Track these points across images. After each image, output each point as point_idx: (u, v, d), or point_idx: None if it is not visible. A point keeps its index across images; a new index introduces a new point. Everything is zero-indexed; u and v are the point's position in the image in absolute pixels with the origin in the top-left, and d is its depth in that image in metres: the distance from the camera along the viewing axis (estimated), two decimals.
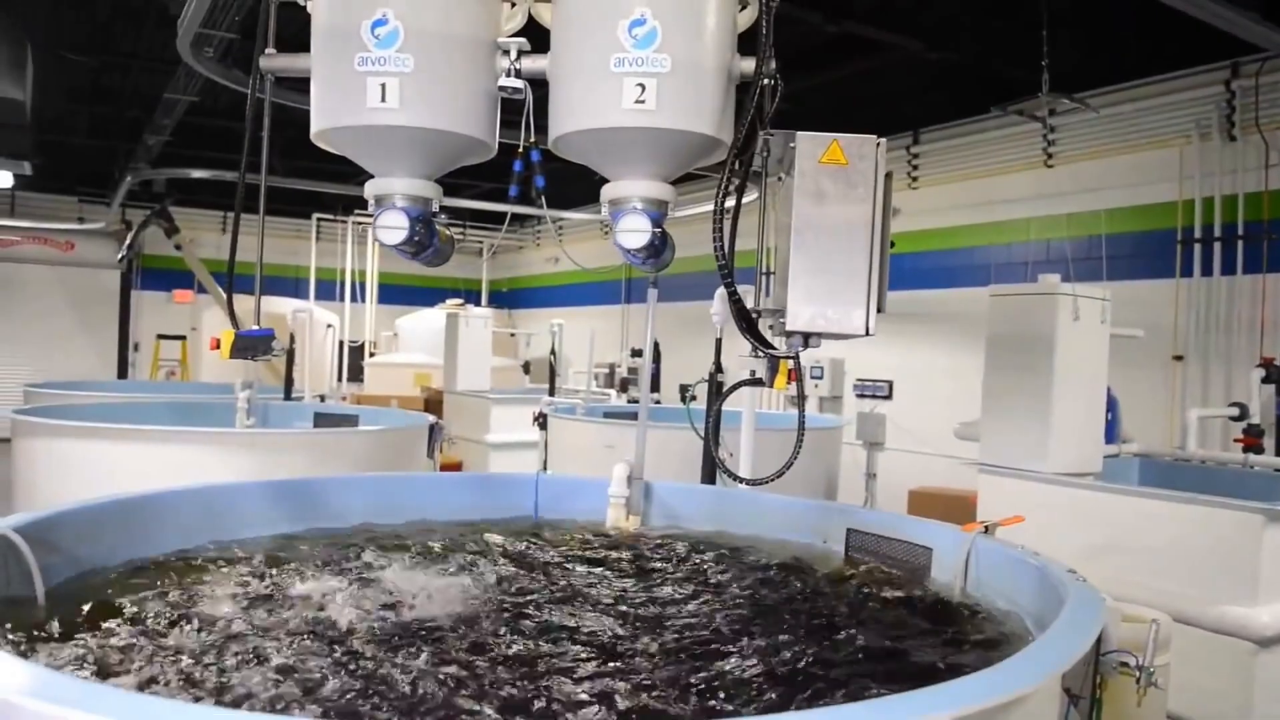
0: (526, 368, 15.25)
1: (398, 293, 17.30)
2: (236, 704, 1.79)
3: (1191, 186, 8.08)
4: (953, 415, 6.61)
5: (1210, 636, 4.06)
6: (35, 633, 2.06)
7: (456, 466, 9.32)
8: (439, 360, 11.81)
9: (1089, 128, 8.83)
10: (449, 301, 14.19)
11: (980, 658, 2.20)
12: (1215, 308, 7.87)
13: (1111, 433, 5.62)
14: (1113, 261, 8.31)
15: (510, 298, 19.91)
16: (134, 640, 2.07)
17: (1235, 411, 6.42)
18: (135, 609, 2.27)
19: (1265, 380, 6.51)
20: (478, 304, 16.71)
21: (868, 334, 2.75)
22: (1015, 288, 5.16)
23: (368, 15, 2.63)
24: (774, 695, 1.96)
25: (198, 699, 1.80)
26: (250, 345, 3.06)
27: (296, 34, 2.94)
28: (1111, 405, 5.54)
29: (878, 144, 2.75)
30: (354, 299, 16.32)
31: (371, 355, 15.60)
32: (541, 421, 7.72)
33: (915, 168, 10.57)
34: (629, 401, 10.90)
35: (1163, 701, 2.84)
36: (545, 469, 7.45)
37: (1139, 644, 2.09)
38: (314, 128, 2.83)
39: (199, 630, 2.16)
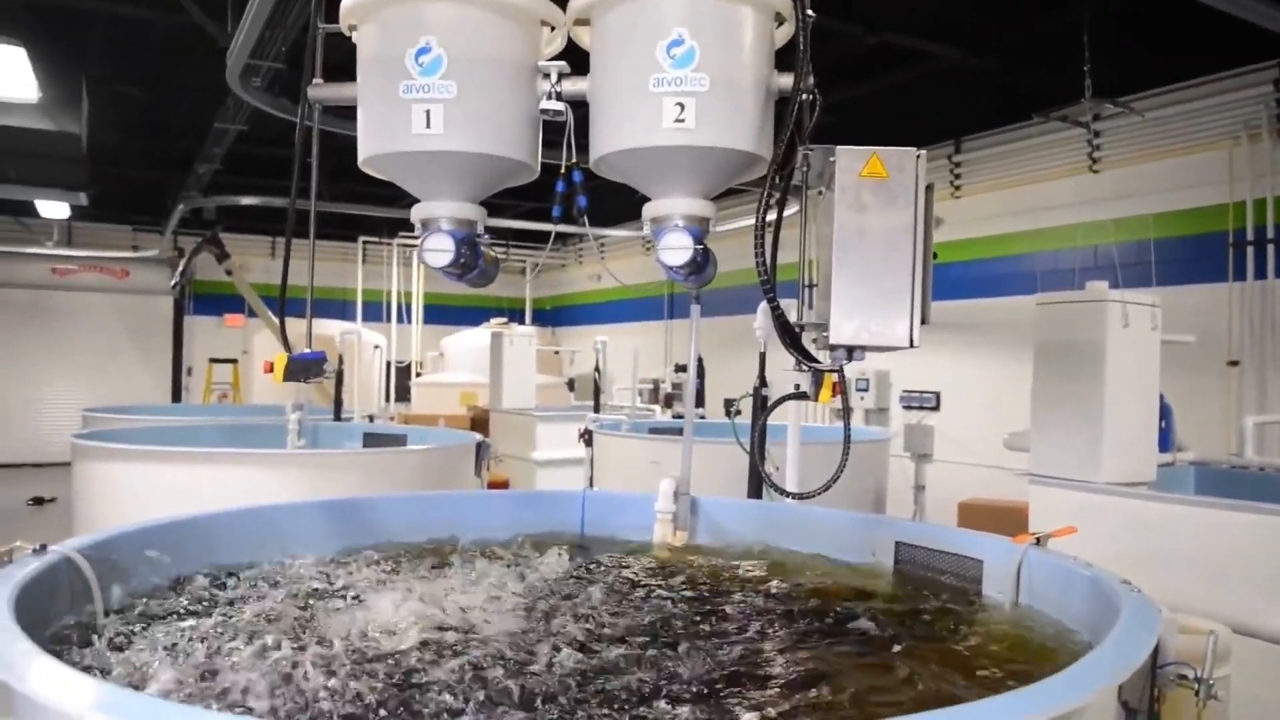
0: (571, 385, 15.32)
1: (443, 313, 17.49)
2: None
3: (1242, 188, 7.94)
4: (1002, 425, 6.52)
5: (1272, 648, 3.96)
6: (99, 651, 2.11)
7: (504, 484, 9.38)
8: (484, 379, 11.91)
9: (1134, 131, 8.72)
10: (493, 321, 14.34)
11: (1035, 670, 2.18)
12: (1270, 311, 7.71)
13: (1165, 441, 5.51)
14: (1162, 266, 8.22)
15: (554, 315, 20.05)
16: (193, 656, 2.12)
17: None
18: (194, 626, 2.31)
19: None
20: (522, 322, 16.89)
21: (912, 346, 2.74)
22: (1062, 295, 5.08)
23: (411, 44, 2.69)
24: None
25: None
26: (303, 368, 3.13)
27: (341, 62, 3.01)
28: (1165, 413, 5.44)
29: (918, 156, 2.75)
30: (400, 320, 16.55)
31: (418, 375, 15.79)
32: (587, 438, 7.76)
33: (958, 176, 10.50)
34: (674, 417, 10.91)
35: (1224, 715, 2.77)
36: (591, 485, 7.48)
37: (1198, 656, 2.05)
38: (361, 155, 2.89)
39: (263, 647, 2.20)
